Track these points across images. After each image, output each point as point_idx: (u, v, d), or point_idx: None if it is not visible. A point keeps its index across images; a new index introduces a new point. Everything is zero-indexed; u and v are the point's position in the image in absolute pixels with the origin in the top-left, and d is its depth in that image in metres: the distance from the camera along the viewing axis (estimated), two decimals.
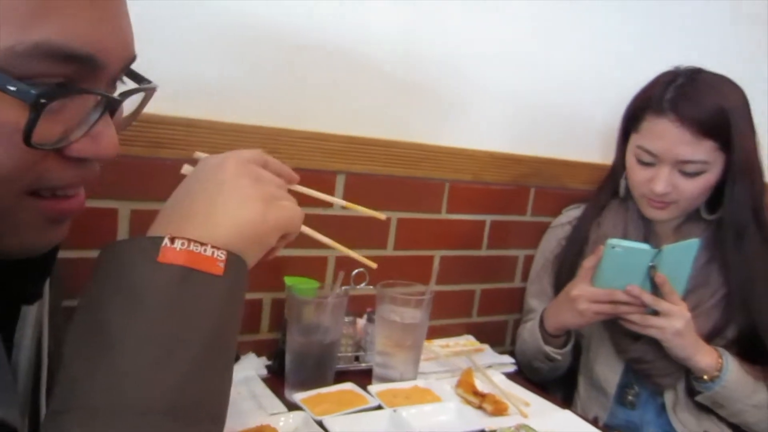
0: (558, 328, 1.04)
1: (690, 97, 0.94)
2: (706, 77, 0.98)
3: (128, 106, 0.47)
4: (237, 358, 0.92)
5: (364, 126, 1.07)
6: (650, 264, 0.91)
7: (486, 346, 1.19)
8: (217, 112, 0.93)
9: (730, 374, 0.95)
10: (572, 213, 1.19)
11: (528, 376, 1.16)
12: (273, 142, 0.98)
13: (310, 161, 1.03)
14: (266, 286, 1.01)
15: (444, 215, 1.18)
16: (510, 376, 1.08)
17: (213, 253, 0.42)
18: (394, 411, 0.83)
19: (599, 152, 1.34)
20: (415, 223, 1.15)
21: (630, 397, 1.07)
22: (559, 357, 1.06)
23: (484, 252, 1.26)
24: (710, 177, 0.97)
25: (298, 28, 0.97)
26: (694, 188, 0.97)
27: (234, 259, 0.43)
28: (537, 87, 1.26)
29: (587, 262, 0.96)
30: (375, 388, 0.91)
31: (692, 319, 0.96)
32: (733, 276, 0.99)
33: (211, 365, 0.41)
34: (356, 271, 1.02)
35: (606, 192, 1.12)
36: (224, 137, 0.93)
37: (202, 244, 0.41)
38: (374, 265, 0.68)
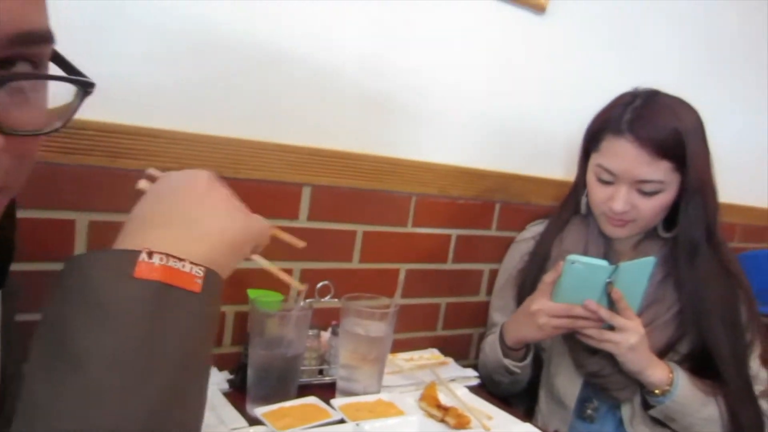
0: (517, 341, 1.06)
1: (647, 119, 0.97)
2: (662, 99, 1.01)
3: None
4: None
5: (330, 138, 1.07)
6: (607, 280, 0.93)
7: (450, 360, 1.19)
8: (178, 122, 0.92)
9: (681, 389, 0.97)
10: (536, 228, 1.21)
11: (490, 389, 1.17)
12: (236, 153, 0.97)
13: (275, 173, 1.02)
14: (229, 299, 0.99)
15: (410, 229, 1.19)
16: (473, 389, 1.09)
17: (191, 269, 0.40)
18: (357, 425, 0.83)
19: (563, 169, 1.38)
20: (381, 237, 1.15)
21: (589, 411, 1.09)
22: (518, 370, 1.07)
23: (449, 266, 1.27)
24: (667, 196, 1.00)
25: (264, 38, 0.97)
26: (652, 207, 1.00)
27: (211, 275, 0.41)
28: (504, 104, 1.28)
29: (547, 277, 0.98)
30: (338, 401, 0.90)
31: (647, 334, 0.99)
32: (686, 292, 1.02)
33: (186, 388, 0.39)
34: (321, 283, 1.02)
35: (568, 209, 1.14)
36: (186, 148, 0.92)
37: (180, 259, 0.40)
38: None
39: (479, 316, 1.33)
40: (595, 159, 1.04)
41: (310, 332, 0.95)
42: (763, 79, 1.97)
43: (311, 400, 0.89)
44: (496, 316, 1.23)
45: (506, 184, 1.31)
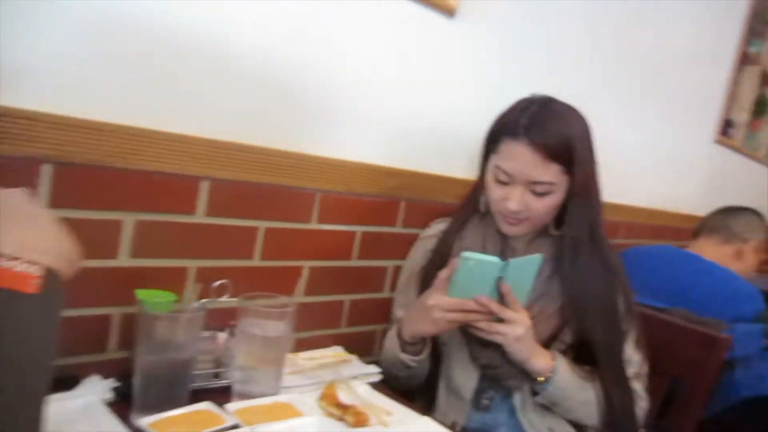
0: (414, 336, 1.07)
1: (541, 125, 1.02)
2: (555, 107, 1.06)
3: None
4: (74, 383, 0.84)
5: (233, 131, 1.03)
6: (498, 276, 0.97)
7: (354, 357, 1.19)
8: (64, 106, 0.84)
9: (561, 375, 1.04)
10: (439, 226, 1.23)
11: (390, 384, 1.18)
12: (131, 142, 0.91)
13: (172, 165, 0.97)
14: (115, 300, 0.93)
15: (314, 225, 1.17)
16: (375, 385, 1.09)
17: (26, 268, 0.37)
18: (252, 429, 0.81)
19: (467, 168, 1.41)
20: (284, 233, 1.13)
21: (485, 401, 1.13)
22: (414, 364, 1.09)
23: (354, 263, 1.27)
24: (557, 197, 1.05)
25: (166, 23, 0.91)
26: (543, 207, 1.05)
27: (50, 275, 0.39)
28: (411, 104, 1.29)
29: (442, 274, 1.00)
30: (233, 405, 0.87)
31: (535, 325, 1.04)
32: (570, 286, 1.08)
33: (22, 396, 0.36)
34: (218, 282, 0.98)
35: (468, 207, 1.17)
36: (73, 135, 0.85)
37: (13, 258, 0.37)
38: None
39: (383, 312, 1.34)
40: (493, 160, 1.08)
41: (205, 334, 0.91)
42: (647, 93, 2.12)
43: (204, 405, 0.85)
44: (399, 313, 1.24)
45: (412, 182, 1.32)
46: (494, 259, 0.96)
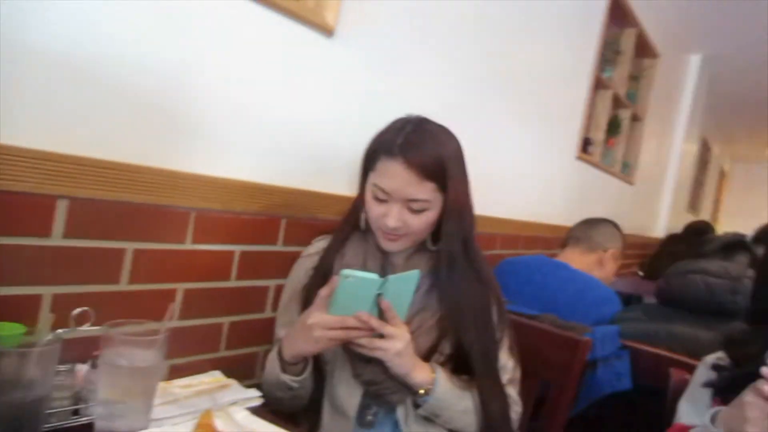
0: (294, 356, 1.06)
1: (416, 145, 1.05)
2: (429, 127, 1.11)
3: None
4: None
5: (96, 147, 0.96)
6: (378, 292, 0.98)
7: (233, 382, 1.14)
8: None
9: (441, 387, 1.07)
10: (321, 244, 1.22)
11: (273, 406, 1.15)
12: None
13: (25, 183, 0.88)
14: None
15: (189, 246, 1.12)
16: (256, 410, 1.05)
17: None
18: None
19: (347, 185, 1.42)
20: (156, 255, 1.06)
21: (369, 417, 1.13)
22: (296, 385, 1.07)
23: (233, 283, 1.22)
24: (432, 213, 1.09)
25: (14, 27, 0.83)
26: (420, 223, 1.08)
27: None
28: (290, 121, 1.28)
29: (322, 292, 1.00)
30: None
31: (415, 339, 1.06)
32: (447, 299, 1.12)
33: None
34: (78, 310, 0.90)
35: (349, 224, 1.18)
36: None
37: None
38: None
39: (265, 333, 1.30)
40: (372, 178, 1.09)
41: (62, 368, 0.83)
42: (516, 112, 2.28)
43: None
44: (282, 332, 1.21)
45: (292, 199, 1.30)
46: (373, 276, 0.97)
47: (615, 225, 2.16)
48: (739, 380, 0.88)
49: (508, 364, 1.18)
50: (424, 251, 1.16)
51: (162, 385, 1.05)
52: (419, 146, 1.05)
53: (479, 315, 1.12)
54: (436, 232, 1.13)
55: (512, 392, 1.19)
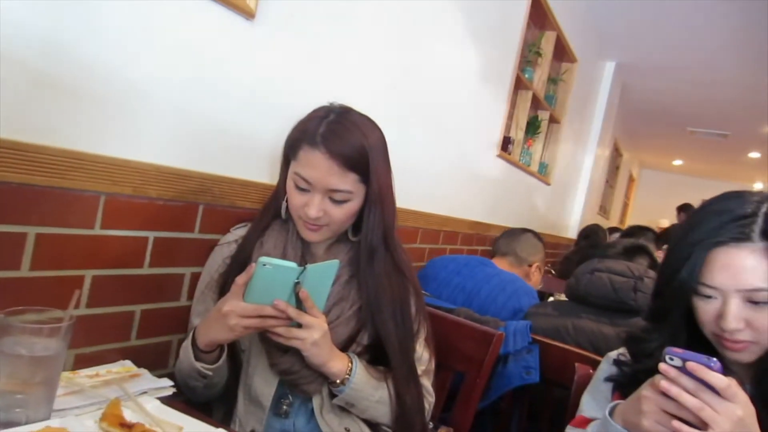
0: (209, 343, 1.04)
1: (338, 135, 1.05)
2: (353, 117, 1.11)
3: None
4: None
5: None
6: (296, 281, 0.98)
7: (144, 371, 1.11)
8: None
9: (357, 377, 1.08)
10: (239, 232, 1.21)
11: (188, 395, 1.13)
12: None
13: None
14: None
15: (98, 231, 1.07)
16: (166, 400, 1.03)
17: None
18: None
19: (268, 173, 1.41)
20: (61, 240, 1.01)
21: (284, 407, 1.13)
22: (210, 373, 1.06)
23: (146, 270, 1.19)
24: (354, 204, 1.10)
25: None
26: (342, 214, 1.09)
27: None
28: (208, 106, 1.25)
29: (239, 279, 0.99)
30: None
31: (334, 329, 1.07)
32: (365, 290, 1.13)
33: None
34: None
35: (269, 213, 1.17)
36: None
37: None
38: None
39: (180, 321, 1.27)
40: (293, 167, 1.09)
41: None
42: (441, 109, 2.33)
43: None
44: (197, 321, 1.18)
45: (210, 186, 1.28)
46: (292, 264, 0.97)
47: (536, 235, 2.30)
48: (638, 375, 0.93)
49: (423, 356, 1.21)
50: (345, 242, 1.17)
51: (67, 375, 1.01)
52: (342, 136, 1.05)
53: (397, 307, 1.14)
54: (358, 222, 1.14)
55: (427, 383, 1.22)
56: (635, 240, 2.29)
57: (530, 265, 2.22)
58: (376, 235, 1.12)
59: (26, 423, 0.82)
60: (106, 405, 0.92)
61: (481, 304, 1.92)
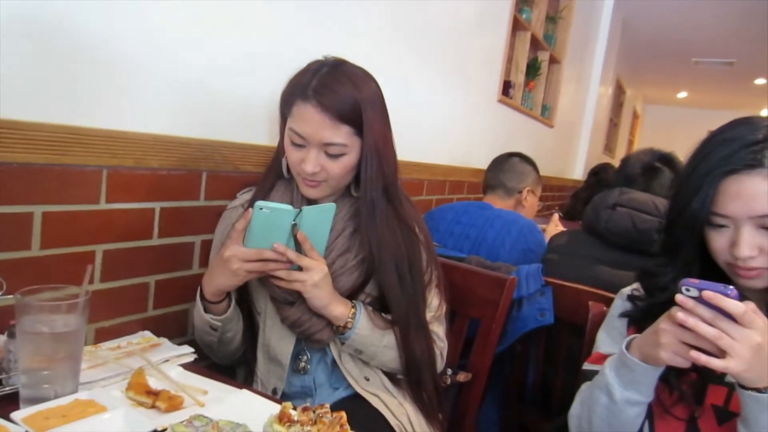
0: (215, 292, 1.06)
1: (330, 87, 1.03)
2: (346, 69, 1.08)
3: None
4: None
5: None
6: (293, 222, 0.99)
7: (164, 340, 1.13)
8: None
9: (361, 322, 1.09)
10: (245, 196, 1.20)
11: (208, 355, 1.15)
12: None
13: None
14: None
15: (104, 206, 1.07)
16: (189, 366, 1.05)
17: None
18: None
19: (268, 135, 1.39)
20: (68, 217, 1.01)
21: (303, 364, 1.15)
22: (219, 323, 1.08)
23: (155, 241, 1.19)
24: (351, 158, 1.08)
25: None
26: (339, 168, 1.07)
27: None
28: (204, 70, 1.23)
29: (238, 225, 1.00)
30: (21, 413, 0.78)
31: (337, 278, 1.08)
32: (368, 243, 1.12)
33: None
34: None
35: (272, 173, 1.16)
36: None
37: None
38: None
39: (194, 290, 1.26)
40: (289, 123, 1.08)
41: None
42: (438, 57, 2.27)
43: None
44: None
45: (211, 152, 1.26)
46: (287, 207, 0.98)
47: (522, 158, 2.16)
48: (653, 309, 0.93)
49: (433, 302, 1.22)
50: (348, 197, 1.16)
51: (89, 349, 1.03)
52: (333, 89, 1.03)
53: (401, 259, 1.13)
54: (359, 177, 1.13)
55: (437, 329, 1.22)
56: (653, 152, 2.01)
57: (520, 192, 2.08)
58: (376, 189, 1.10)
59: (55, 397, 0.83)
60: (130, 375, 0.94)
61: (489, 249, 1.90)
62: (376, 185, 1.10)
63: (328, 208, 1.02)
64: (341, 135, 1.04)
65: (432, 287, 1.20)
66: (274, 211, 0.96)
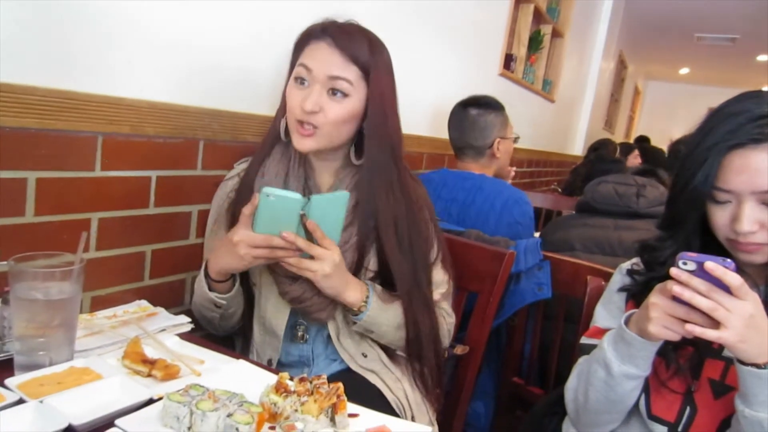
0: (219, 272, 1.05)
1: (344, 30, 1.07)
2: (363, 27, 1.11)
3: None
4: None
5: None
6: (301, 212, 0.97)
7: (161, 309, 1.12)
8: None
9: (374, 304, 1.08)
10: (242, 166, 1.18)
11: (207, 329, 1.15)
12: None
13: None
14: None
15: (99, 173, 1.05)
16: (185, 336, 1.05)
17: None
18: (40, 402, 0.73)
19: (268, 105, 1.36)
20: (62, 184, 1.00)
21: (300, 333, 1.15)
22: (223, 302, 1.07)
23: (152, 210, 1.18)
24: (352, 103, 1.05)
25: None
26: (338, 111, 1.05)
27: None
28: (204, 38, 1.20)
29: (245, 210, 0.98)
30: (15, 380, 0.78)
31: (343, 253, 1.06)
32: (372, 215, 1.10)
33: None
34: None
35: (269, 141, 1.14)
36: None
37: None
38: None
39: (192, 259, 1.27)
40: (299, 61, 1.07)
41: None
42: (440, 29, 2.23)
43: None
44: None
45: (209, 122, 1.24)
46: (295, 195, 0.95)
47: (479, 107, 1.93)
48: (652, 283, 0.92)
49: (443, 280, 1.21)
50: (350, 166, 1.14)
51: (85, 317, 1.02)
52: (349, 32, 1.06)
53: (404, 232, 1.11)
54: (359, 144, 1.11)
55: (446, 306, 1.22)
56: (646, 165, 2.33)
57: (489, 147, 1.89)
58: (380, 159, 1.08)
59: (50, 364, 0.83)
60: (126, 343, 0.94)
61: (475, 217, 1.82)
62: (382, 155, 1.08)
63: (341, 197, 0.99)
64: (349, 71, 1.05)
65: (438, 262, 1.20)
66: (281, 199, 0.94)
